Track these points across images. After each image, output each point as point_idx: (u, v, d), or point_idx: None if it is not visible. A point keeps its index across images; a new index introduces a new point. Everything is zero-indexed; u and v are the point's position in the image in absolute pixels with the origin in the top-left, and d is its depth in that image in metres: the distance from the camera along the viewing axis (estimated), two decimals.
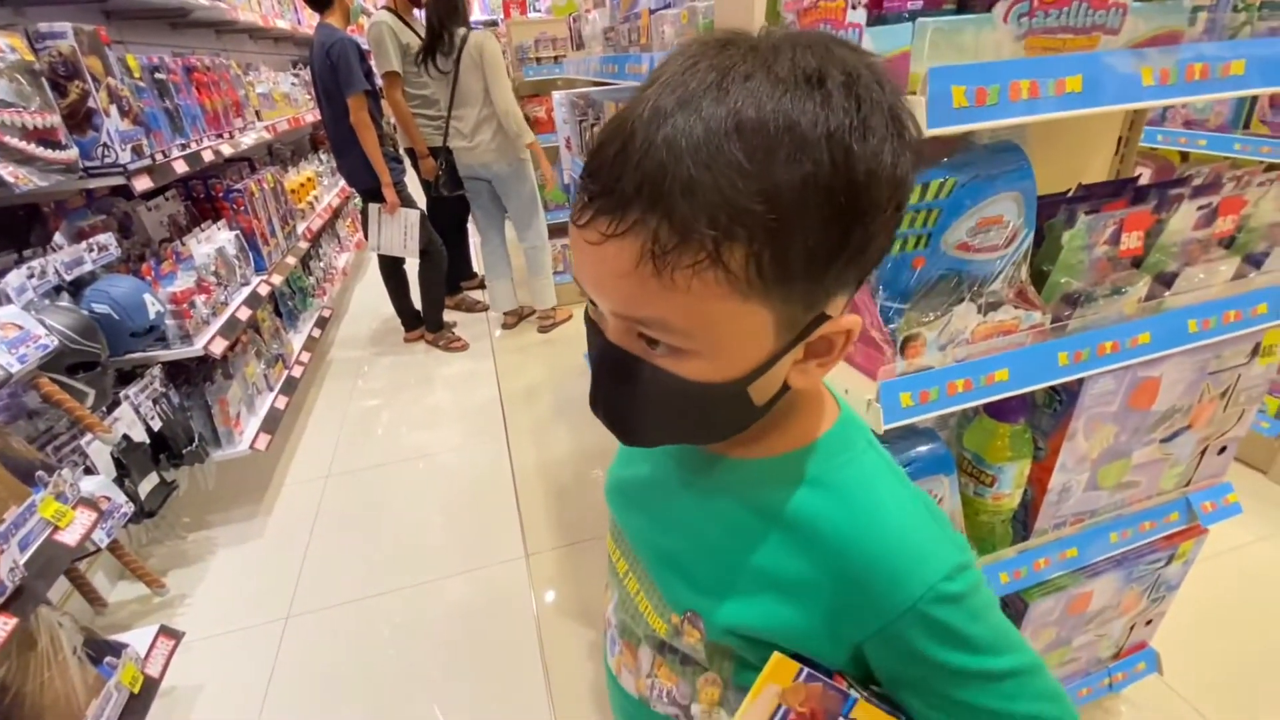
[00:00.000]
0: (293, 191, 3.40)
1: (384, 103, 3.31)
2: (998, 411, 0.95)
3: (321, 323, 3.43)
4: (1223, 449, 1.11)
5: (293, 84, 4.05)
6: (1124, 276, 0.86)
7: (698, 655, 0.52)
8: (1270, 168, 0.94)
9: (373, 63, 3.17)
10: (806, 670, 0.45)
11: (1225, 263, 0.90)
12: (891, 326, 0.77)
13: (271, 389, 2.66)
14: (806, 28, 0.78)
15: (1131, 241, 0.85)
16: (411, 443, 2.70)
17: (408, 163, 3.45)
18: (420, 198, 3.35)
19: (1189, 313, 0.89)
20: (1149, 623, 1.33)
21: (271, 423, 2.45)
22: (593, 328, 0.46)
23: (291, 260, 3.01)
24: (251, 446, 2.28)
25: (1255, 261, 0.92)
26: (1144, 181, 0.98)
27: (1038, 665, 0.47)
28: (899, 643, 0.45)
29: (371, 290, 4.35)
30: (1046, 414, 0.98)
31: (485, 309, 3.94)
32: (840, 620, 0.46)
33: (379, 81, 3.15)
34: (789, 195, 0.35)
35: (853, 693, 0.47)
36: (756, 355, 0.42)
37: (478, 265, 4.30)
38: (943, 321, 0.77)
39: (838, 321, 0.43)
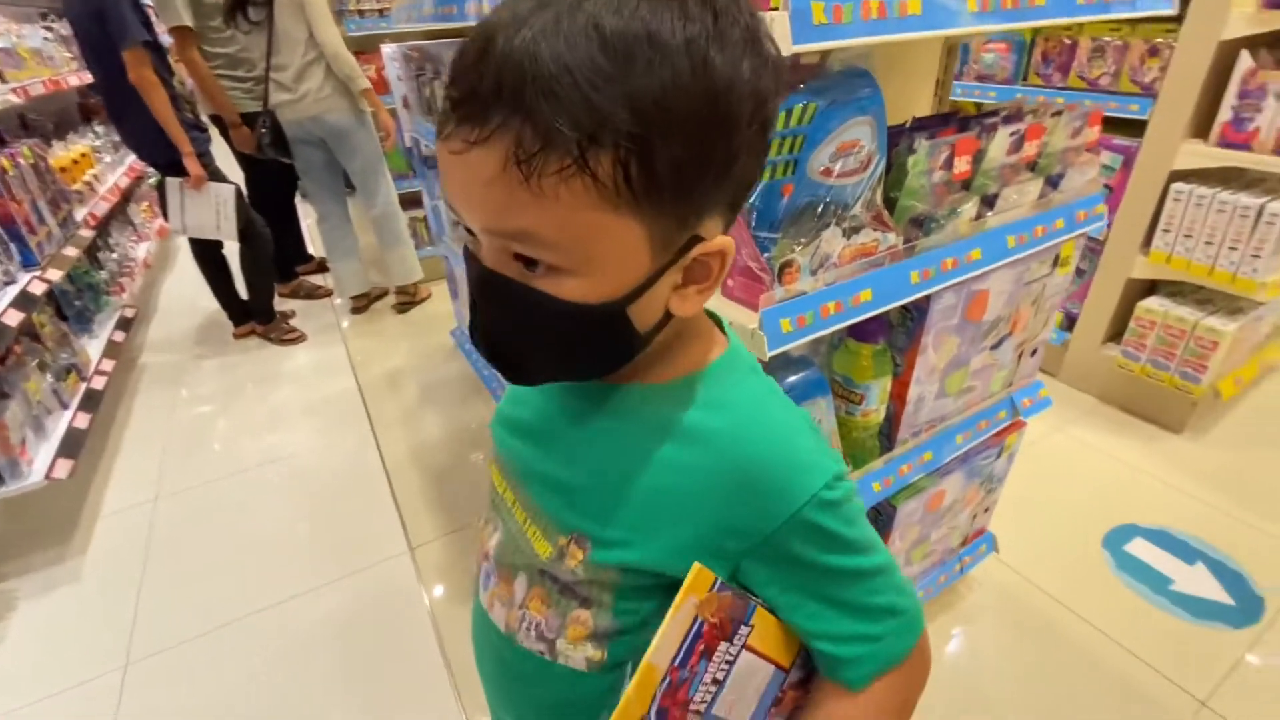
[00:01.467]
0: (63, 170, 2.81)
1: (174, 60, 2.81)
2: (860, 334, 1.02)
3: (124, 324, 2.91)
4: (1034, 351, 1.29)
5: (45, 38, 3.32)
6: (958, 199, 0.95)
7: (577, 578, 0.51)
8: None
9: (153, 14, 2.67)
10: (720, 580, 0.46)
11: (1032, 184, 1.03)
12: (767, 255, 0.79)
13: (66, 406, 2.22)
14: None
15: (962, 166, 0.94)
16: (259, 448, 2.40)
17: (214, 131, 2.98)
18: (233, 172, 2.91)
19: (1007, 229, 1.00)
20: (986, 510, 1.53)
21: (72, 446, 2.06)
22: (470, 259, 0.45)
23: (72, 252, 2.50)
24: (48, 476, 1.89)
25: (1053, 183, 1.06)
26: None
27: (893, 563, 0.52)
28: (781, 550, 0.47)
29: (185, 282, 3.77)
30: (901, 332, 1.07)
31: (328, 294, 3.57)
32: (726, 532, 0.47)
33: (164, 36, 2.67)
34: (651, 101, 0.35)
35: (752, 600, 0.49)
36: (634, 273, 0.42)
37: (313, 248, 3.88)
38: (813, 247, 0.80)
39: (711, 243, 0.43)
